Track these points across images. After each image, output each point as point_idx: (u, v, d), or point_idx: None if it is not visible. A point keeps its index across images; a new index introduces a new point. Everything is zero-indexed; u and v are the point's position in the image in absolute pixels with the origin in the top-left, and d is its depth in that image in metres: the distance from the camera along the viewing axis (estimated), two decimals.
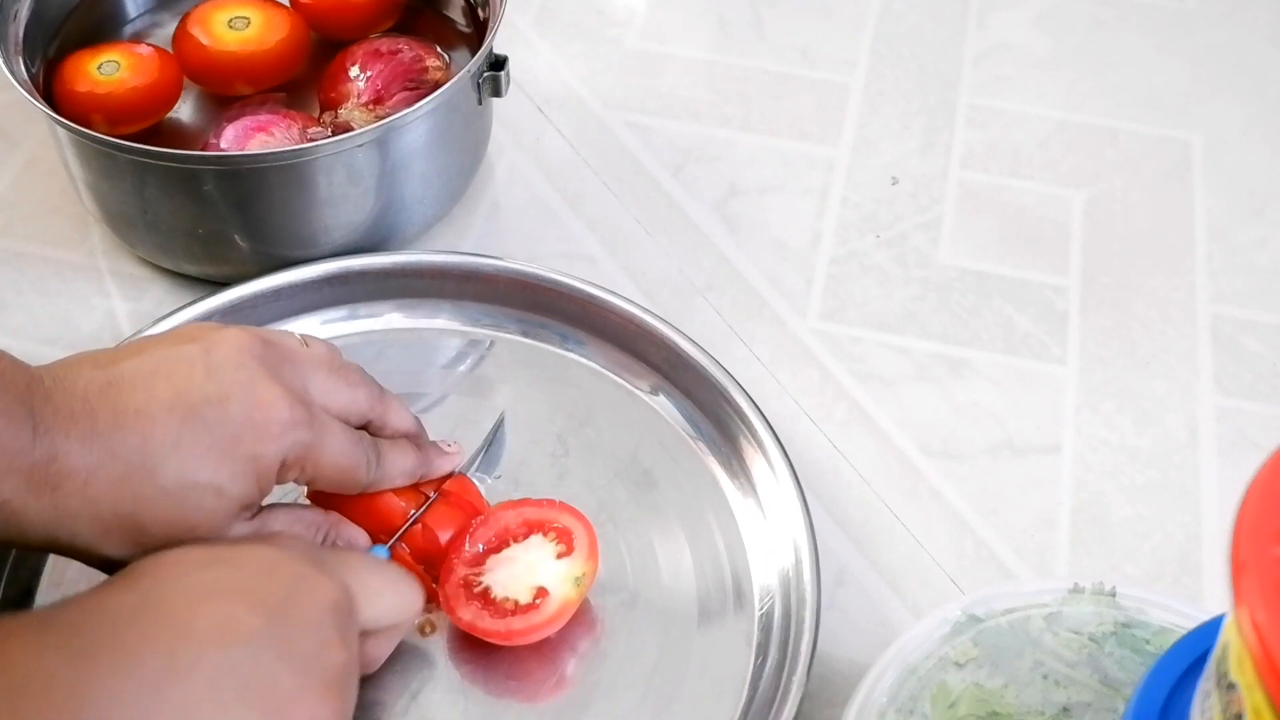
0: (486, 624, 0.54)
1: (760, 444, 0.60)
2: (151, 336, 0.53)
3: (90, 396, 0.47)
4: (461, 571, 0.55)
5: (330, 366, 0.54)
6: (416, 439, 0.58)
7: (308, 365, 0.53)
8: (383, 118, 0.65)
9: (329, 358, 0.55)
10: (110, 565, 0.49)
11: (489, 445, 0.61)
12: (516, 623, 0.54)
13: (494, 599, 0.54)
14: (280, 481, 0.51)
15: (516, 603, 0.54)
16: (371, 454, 0.54)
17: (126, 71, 0.69)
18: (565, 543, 0.55)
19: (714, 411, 0.62)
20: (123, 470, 0.47)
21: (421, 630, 0.56)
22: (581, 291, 0.66)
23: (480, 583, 0.55)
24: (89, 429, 0.47)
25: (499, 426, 0.62)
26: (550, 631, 0.54)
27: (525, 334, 0.66)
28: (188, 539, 0.48)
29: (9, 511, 0.45)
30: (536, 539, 0.56)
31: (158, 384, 0.48)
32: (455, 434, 0.62)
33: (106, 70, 0.69)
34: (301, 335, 0.55)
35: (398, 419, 0.57)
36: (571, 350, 0.66)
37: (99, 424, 0.47)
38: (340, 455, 0.52)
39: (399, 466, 0.55)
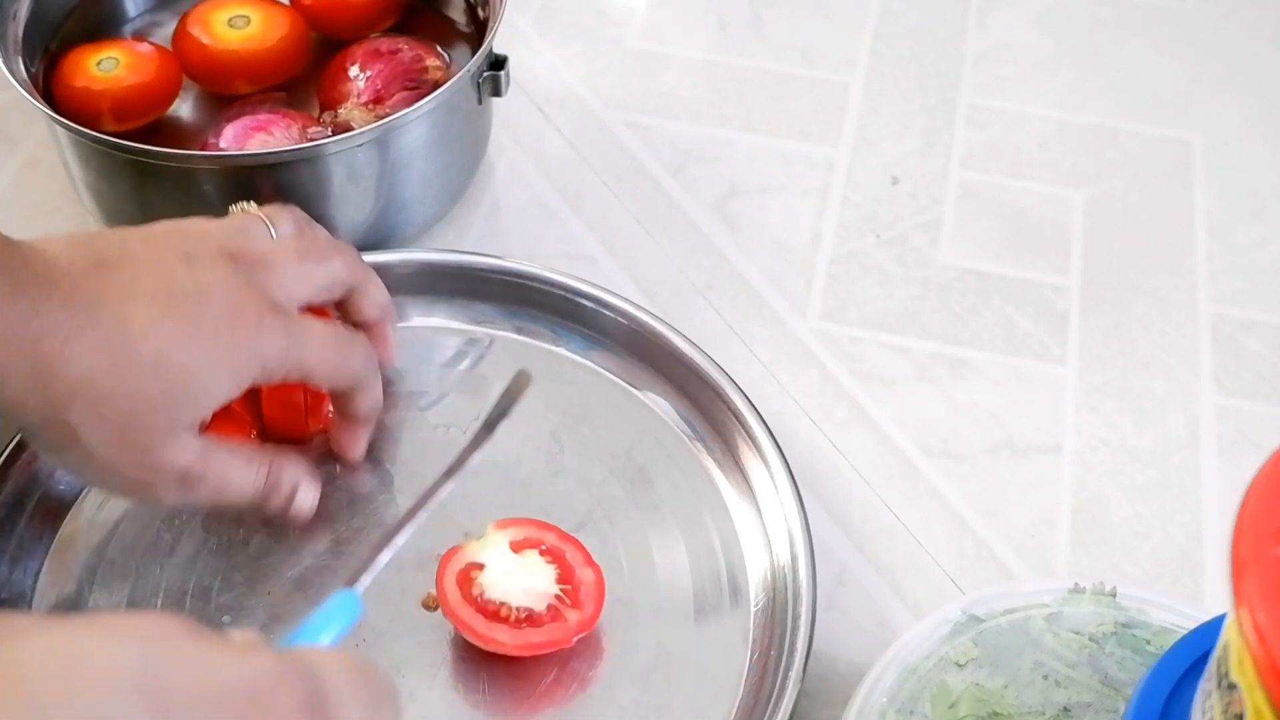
0: (502, 636, 0.53)
1: (755, 441, 0.60)
2: (128, 229, 0.54)
3: (73, 272, 0.49)
4: (467, 587, 0.55)
5: (300, 253, 0.56)
6: (390, 314, 0.60)
7: (278, 262, 0.55)
8: (382, 117, 0.65)
9: (297, 245, 0.56)
10: (63, 444, 0.50)
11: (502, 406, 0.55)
12: (535, 635, 0.54)
13: (499, 609, 0.54)
14: (269, 383, 0.54)
15: (531, 612, 0.54)
16: (356, 349, 0.56)
17: (125, 69, 0.69)
18: (559, 564, 0.56)
19: (710, 409, 0.62)
20: (103, 338, 0.48)
21: (427, 605, 0.56)
22: (577, 290, 0.66)
23: (492, 600, 0.54)
24: (70, 297, 0.48)
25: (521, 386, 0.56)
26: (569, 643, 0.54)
27: (521, 332, 0.66)
28: (148, 419, 0.49)
29: None
30: (533, 554, 0.56)
31: (140, 273, 0.50)
32: (453, 433, 0.62)
33: (105, 67, 0.69)
34: (265, 215, 0.57)
35: (377, 289, 0.59)
36: (567, 348, 0.66)
37: (79, 296, 0.48)
38: (323, 351, 0.54)
39: (379, 384, 0.59)
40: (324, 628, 0.42)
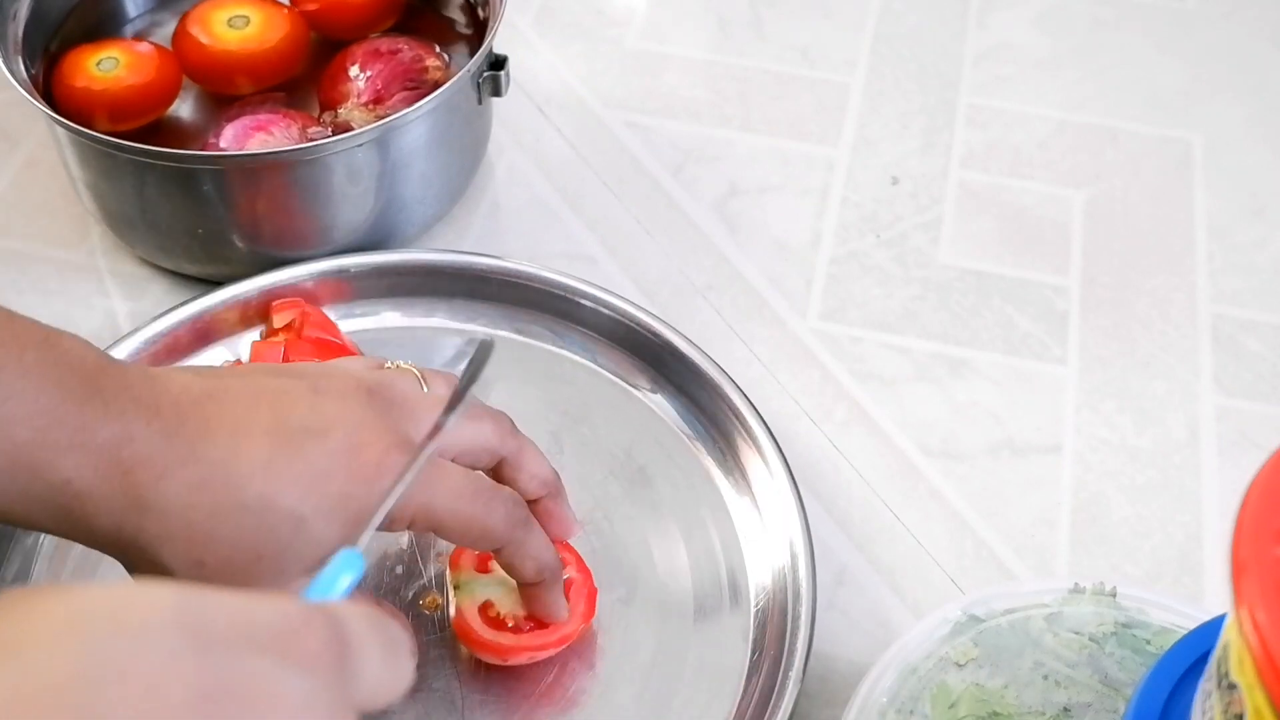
0: (509, 641, 0.53)
1: (755, 441, 0.60)
2: (260, 365, 0.50)
3: (183, 402, 0.45)
4: (467, 600, 0.54)
5: (446, 406, 0.49)
6: (553, 489, 0.54)
7: (419, 407, 0.49)
8: (383, 117, 0.65)
9: (445, 399, 0.50)
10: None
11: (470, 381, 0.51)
12: (544, 637, 0.54)
13: (504, 618, 0.54)
14: (394, 529, 0.48)
15: (536, 621, 0.54)
16: (499, 503, 0.49)
17: (125, 69, 0.69)
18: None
19: (709, 409, 0.62)
20: (204, 475, 0.44)
21: (427, 606, 0.56)
22: (577, 290, 0.66)
23: (494, 608, 0.54)
24: (174, 427, 0.44)
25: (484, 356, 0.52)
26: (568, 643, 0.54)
27: (520, 332, 0.66)
28: (251, 569, 0.45)
29: (71, 495, 0.43)
30: None
31: (259, 407, 0.46)
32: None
33: (105, 67, 0.69)
34: (420, 372, 0.52)
35: (533, 461, 0.53)
36: (567, 348, 0.66)
37: (186, 428, 0.45)
38: (455, 500, 0.48)
39: (537, 540, 0.51)
40: (331, 585, 0.41)
